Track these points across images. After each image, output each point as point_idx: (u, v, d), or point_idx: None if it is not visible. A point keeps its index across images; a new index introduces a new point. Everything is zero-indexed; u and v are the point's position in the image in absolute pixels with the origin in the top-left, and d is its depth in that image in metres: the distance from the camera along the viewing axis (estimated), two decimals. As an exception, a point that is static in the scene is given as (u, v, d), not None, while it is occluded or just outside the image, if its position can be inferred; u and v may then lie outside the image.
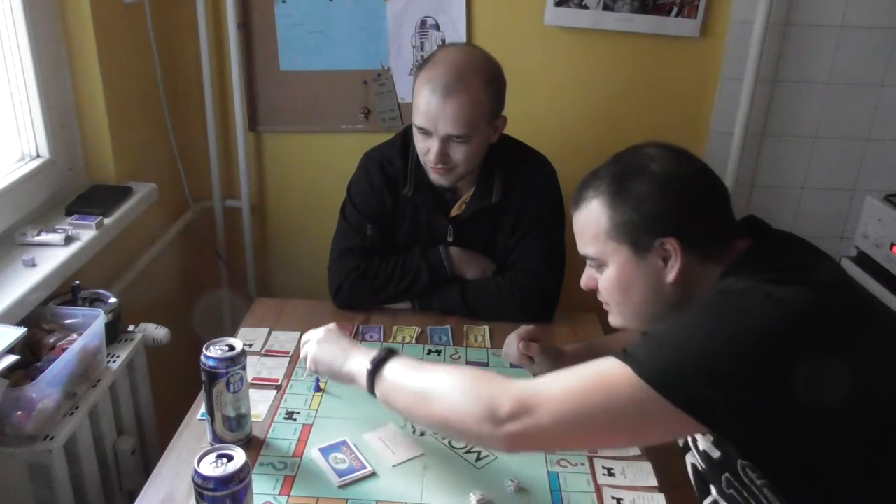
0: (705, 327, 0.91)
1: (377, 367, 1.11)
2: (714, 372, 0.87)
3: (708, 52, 2.04)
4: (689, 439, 1.06)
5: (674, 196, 1.02)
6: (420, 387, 1.06)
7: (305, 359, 1.25)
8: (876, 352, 0.92)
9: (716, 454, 0.99)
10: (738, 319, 0.90)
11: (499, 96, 1.55)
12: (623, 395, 0.90)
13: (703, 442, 1.02)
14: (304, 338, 1.28)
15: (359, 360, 1.15)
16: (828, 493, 0.91)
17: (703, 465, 1.03)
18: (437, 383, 1.05)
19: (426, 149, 1.54)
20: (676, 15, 1.99)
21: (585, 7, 1.98)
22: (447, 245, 1.65)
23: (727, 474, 0.97)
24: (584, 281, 1.13)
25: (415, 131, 1.55)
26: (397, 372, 1.10)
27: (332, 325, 1.26)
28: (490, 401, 0.96)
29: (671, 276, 1.02)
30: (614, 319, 1.13)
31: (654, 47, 2.04)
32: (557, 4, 1.99)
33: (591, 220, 1.06)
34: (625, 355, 0.92)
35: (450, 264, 1.63)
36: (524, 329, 1.40)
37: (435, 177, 1.58)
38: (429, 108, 1.48)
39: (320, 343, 1.23)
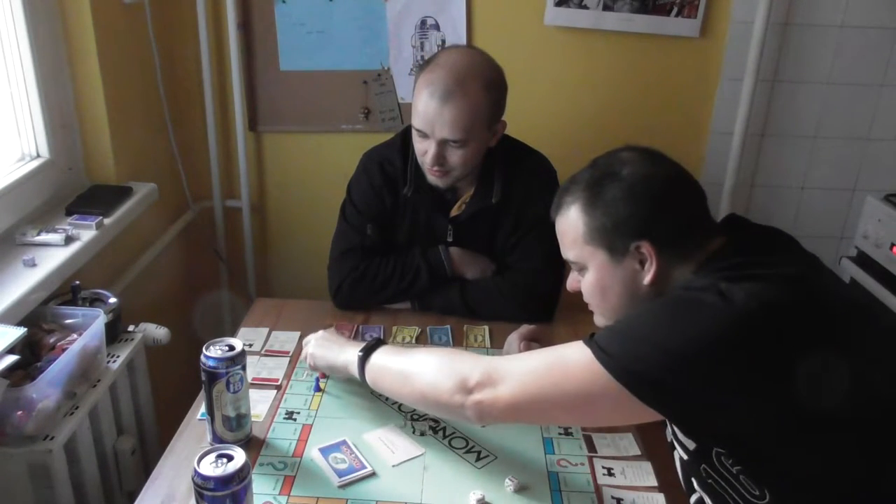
0: (663, 320, 0.97)
1: (367, 354, 1.24)
2: (666, 361, 0.93)
3: (708, 52, 2.04)
4: (673, 435, 1.07)
5: (645, 199, 1.04)
6: (401, 367, 1.19)
7: (307, 357, 1.37)
8: (833, 341, 0.94)
9: (692, 445, 1.02)
10: (692, 315, 0.94)
11: (498, 102, 1.54)
12: (579, 376, 0.99)
13: (681, 434, 1.04)
14: (305, 340, 1.40)
15: (351, 351, 1.28)
16: (801, 476, 0.94)
17: (685, 457, 1.05)
18: (416, 363, 1.17)
19: (423, 150, 1.54)
20: (676, 15, 1.99)
21: (585, 7, 1.98)
22: (447, 245, 1.65)
23: (704, 465, 1.01)
24: (570, 283, 1.18)
25: (413, 132, 1.55)
26: (383, 357, 1.23)
27: (330, 328, 1.42)
28: (461, 374, 1.08)
29: (647, 278, 1.05)
30: (598, 319, 1.16)
31: (654, 47, 2.04)
32: (557, 4, 1.99)
33: (569, 226, 1.10)
34: (588, 340, 1.00)
35: (449, 264, 1.63)
36: (525, 329, 1.44)
37: (432, 179, 1.58)
38: (427, 111, 1.48)
39: (318, 340, 1.36)
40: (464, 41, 2.03)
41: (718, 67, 2.05)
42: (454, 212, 1.65)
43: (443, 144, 1.50)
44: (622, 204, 1.04)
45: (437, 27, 2.04)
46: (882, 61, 2.04)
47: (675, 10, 1.98)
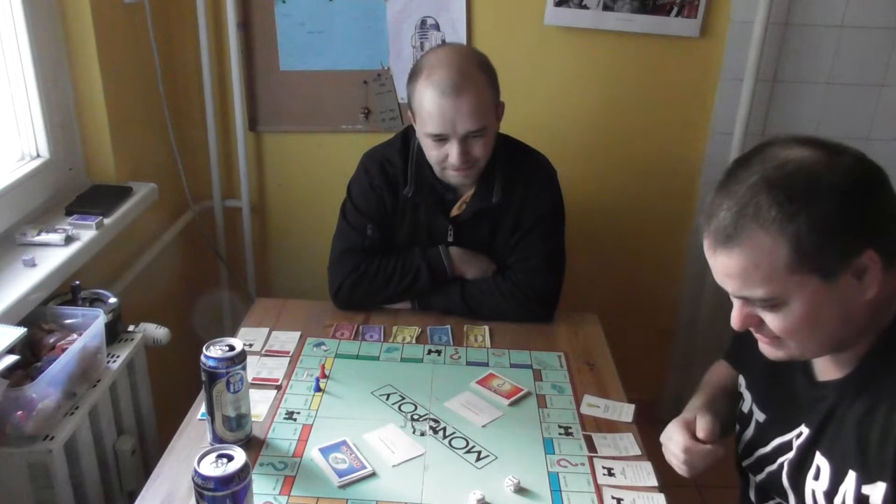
0: None
1: None
2: None
3: (708, 52, 2.04)
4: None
5: (865, 202, 0.88)
6: None
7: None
8: None
9: None
10: None
11: (495, 83, 1.55)
12: None
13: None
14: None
15: None
16: None
17: None
18: None
19: (442, 155, 1.52)
20: (676, 15, 1.99)
21: (585, 7, 1.98)
22: (447, 245, 1.65)
23: None
24: (742, 321, 0.97)
25: (426, 142, 1.53)
26: None
27: None
28: None
29: (870, 292, 0.90)
30: (785, 353, 0.98)
31: (654, 47, 2.04)
32: (557, 4, 1.99)
33: (761, 258, 0.89)
34: None
35: (450, 264, 1.63)
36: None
37: (457, 179, 1.57)
38: (442, 111, 1.47)
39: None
40: (464, 41, 2.03)
41: (718, 67, 2.05)
42: (455, 212, 1.65)
43: (465, 140, 1.50)
44: (838, 215, 0.87)
45: (437, 27, 2.04)
46: (882, 61, 2.04)
47: (675, 10, 1.98)
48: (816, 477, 0.99)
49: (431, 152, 1.54)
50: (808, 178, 0.88)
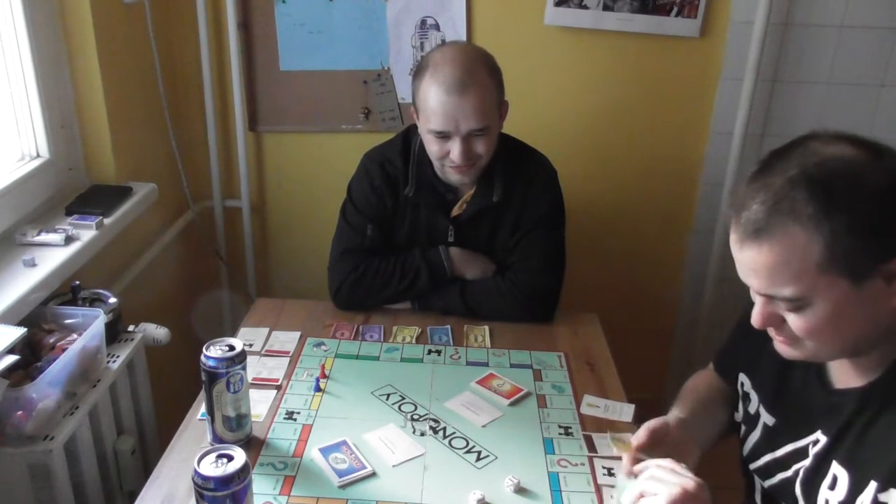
0: None
1: None
2: None
3: (708, 52, 2.04)
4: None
5: None
6: None
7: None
8: None
9: None
10: None
11: (500, 83, 1.55)
12: None
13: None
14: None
15: None
16: None
17: None
18: None
19: (444, 151, 1.52)
20: (676, 15, 1.99)
21: (585, 7, 1.98)
22: (448, 245, 1.65)
23: None
24: (763, 319, 0.94)
25: (428, 137, 1.53)
26: None
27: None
28: None
29: None
30: (801, 353, 0.96)
31: (654, 47, 2.04)
32: (557, 4, 1.99)
33: (792, 254, 0.86)
34: None
35: (449, 264, 1.63)
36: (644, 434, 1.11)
37: (457, 177, 1.57)
38: (445, 108, 1.47)
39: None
40: (463, 41, 2.03)
41: (718, 67, 2.05)
42: (455, 212, 1.65)
43: (467, 138, 1.50)
44: (877, 217, 0.84)
45: (437, 27, 2.04)
46: (882, 61, 2.04)
47: (675, 10, 1.98)
48: (832, 486, 0.96)
49: (433, 147, 1.54)
50: (850, 177, 0.85)
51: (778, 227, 0.86)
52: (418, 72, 1.54)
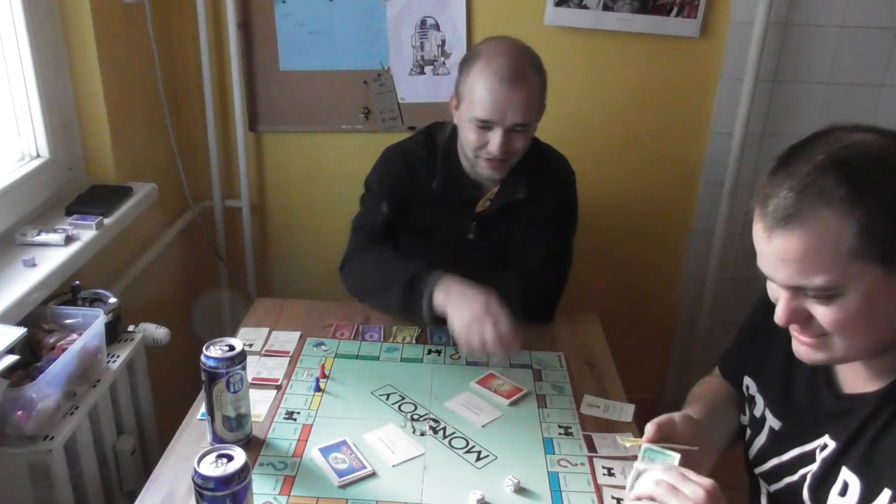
0: None
1: None
2: None
3: (708, 52, 2.05)
4: None
5: None
6: None
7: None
8: None
9: None
10: None
11: (545, 85, 1.56)
12: None
13: None
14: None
15: None
16: None
17: None
18: None
19: (482, 142, 1.51)
20: (676, 15, 1.99)
21: (585, 7, 1.98)
22: (468, 242, 1.63)
23: None
24: (789, 315, 0.90)
25: (468, 126, 1.52)
26: None
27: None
28: None
29: None
30: (827, 355, 0.92)
31: (654, 47, 2.04)
32: (557, 4, 1.99)
33: (824, 239, 0.83)
34: None
35: (429, 309, 1.46)
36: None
37: (489, 171, 1.56)
38: (495, 97, 1.46)
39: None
40: (464, 41, 2.03)
41: (718, 67, 2.05)
42: (479, 207, 1.64)
43: (509, 131, 1.49)
44: None
45: (437, 27, 2.04)
46: (882, 61, 2.04)
47: (675, 10, 1.98)
48: (843, 493, 0.94)
49: (471, 136, 1.52)
50: (880, 159, 0.83)
51: (809, 213, 0.83)
52: (468, 60, 1.53)
